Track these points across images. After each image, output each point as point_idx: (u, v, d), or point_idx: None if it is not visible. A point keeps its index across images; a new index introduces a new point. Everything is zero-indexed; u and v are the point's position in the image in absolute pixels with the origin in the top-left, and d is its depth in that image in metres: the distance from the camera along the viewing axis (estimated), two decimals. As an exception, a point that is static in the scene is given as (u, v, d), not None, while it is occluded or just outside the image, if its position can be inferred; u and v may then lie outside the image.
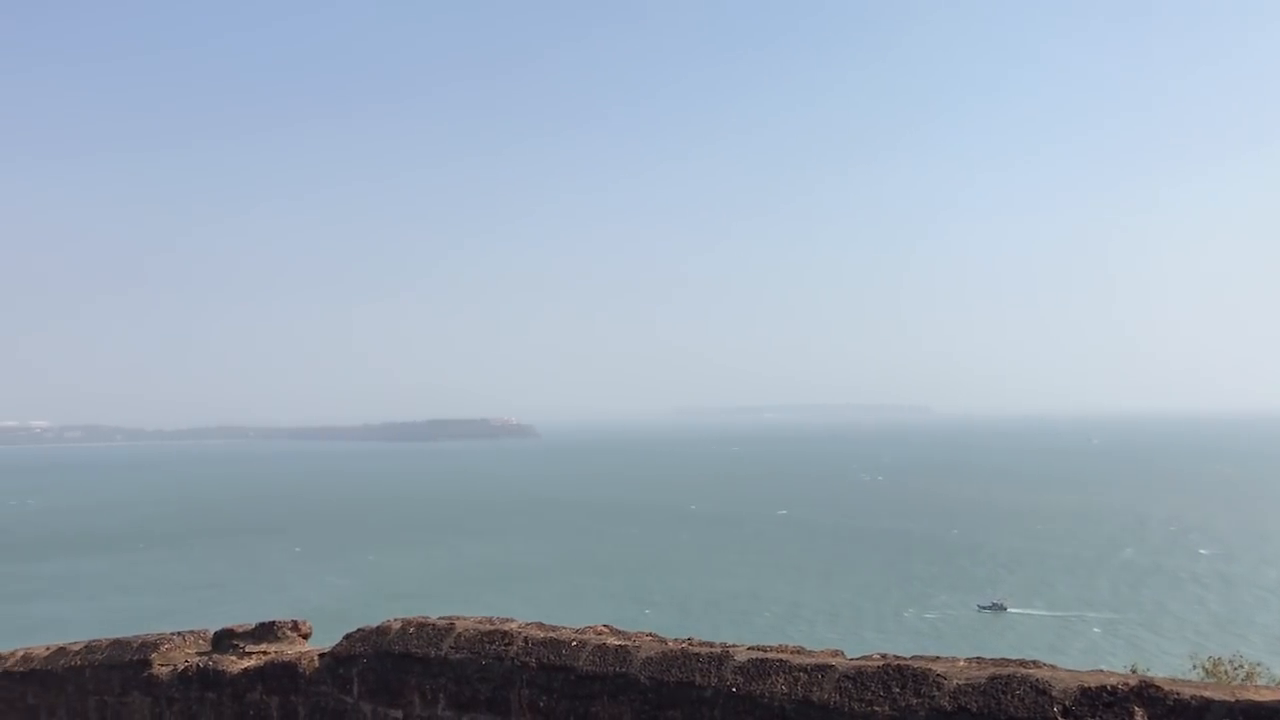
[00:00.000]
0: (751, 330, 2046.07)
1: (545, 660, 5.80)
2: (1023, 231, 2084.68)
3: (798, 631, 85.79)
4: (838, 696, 4.66)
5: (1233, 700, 3.86)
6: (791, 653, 5.16)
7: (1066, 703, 4.12)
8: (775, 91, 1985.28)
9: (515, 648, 5.98)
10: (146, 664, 8.18)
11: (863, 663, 4.86)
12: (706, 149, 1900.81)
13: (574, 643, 5.83)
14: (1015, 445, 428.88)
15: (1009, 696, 4.24)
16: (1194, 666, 20.03)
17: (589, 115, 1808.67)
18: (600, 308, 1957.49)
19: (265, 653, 7.66)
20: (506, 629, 6.24)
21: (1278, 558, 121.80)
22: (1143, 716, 3.97)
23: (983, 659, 4.76)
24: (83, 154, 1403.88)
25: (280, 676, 7.26)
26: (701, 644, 5.57)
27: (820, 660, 4.96)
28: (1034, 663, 4.58)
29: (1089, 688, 4.13)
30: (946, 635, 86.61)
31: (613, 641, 5.76)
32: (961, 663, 4.69)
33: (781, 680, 4.88)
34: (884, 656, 4.93)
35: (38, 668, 9.21)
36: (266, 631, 7.90)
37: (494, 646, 6.08)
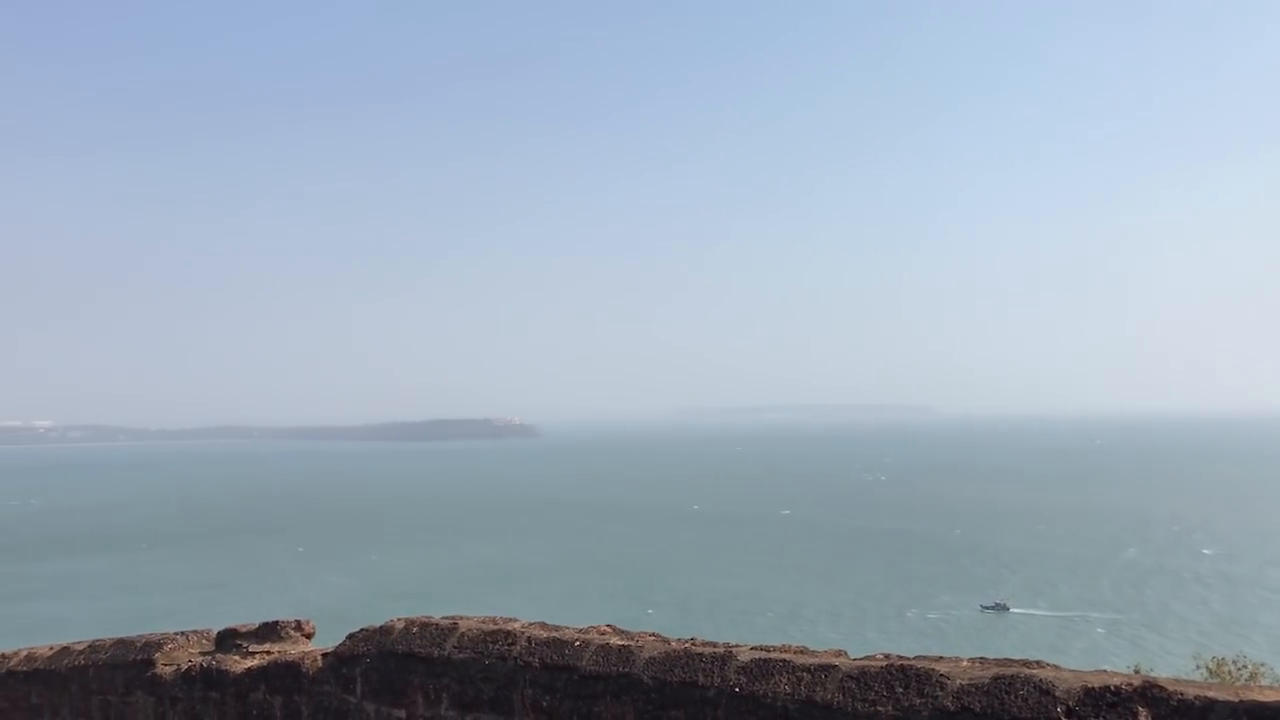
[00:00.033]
0: (753, 330, 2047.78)
1: (548, 660, 5.80)
2: (1025, 231, 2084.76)
3: (800, 631, 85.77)
4: (841, 696, 4.65)
5: (1236, 700, 3.86)
6: (795, 653, 5.16)
7: (1070, 703, 4.12)
8: (776, 92, 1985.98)
9: (518, 648, 5.99)
10: (150, 664, 8.19)
11: (866, 663, 4.86)
12: (707, 149, 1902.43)
13: (577, 643, 5.83)
14: (1017, 445, 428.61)
15: (1012, 697, 4.23)
16: (1197, 667, 20.00)
17: (589, 115, 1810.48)
18: (602, 308, 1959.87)
19: (269, 652, 7.67)
20: (510, 629, 6.24)
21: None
22: (1146, 717, 3.96)
23: (986, 659, 4.75)
24: (84, 154, 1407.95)
25: (284, 676, 7.26)
26: (705, 644, 5.57)
27: (823, 660, 4.96)
28: (1037, 663, 4.57)
29: (1092, 688, 4.13)
30: (949, 635, 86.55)
31: (616, 641, 5.76)
32: (965, 663, 4.69)
33: (785, 680, 4.88)
34: (887, 657, 4.93)
35: (41, 667, 9.22)
36: (270, 631, 7.90)
37: (497, 646, 6.08)
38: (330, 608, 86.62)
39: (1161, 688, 4.03)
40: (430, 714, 6.31)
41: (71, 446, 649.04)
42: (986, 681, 4.36)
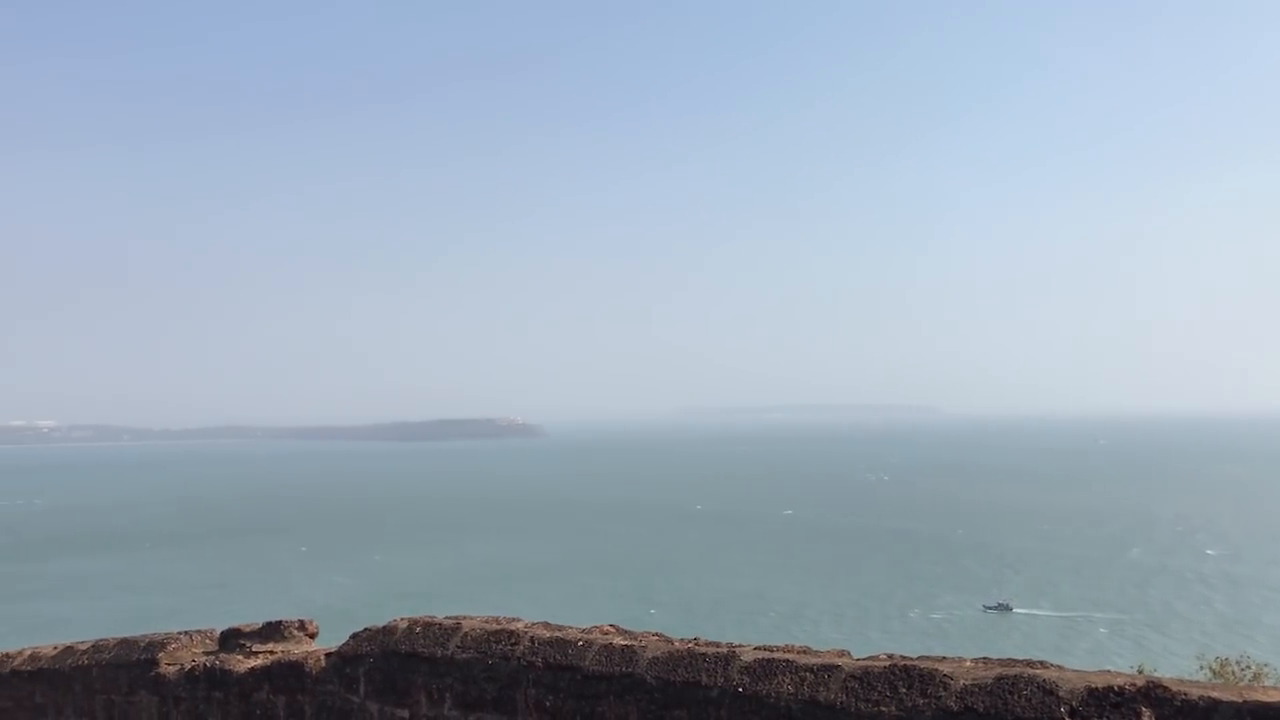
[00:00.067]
0: (756, 330, 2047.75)
1: (552, 660, 5.81)
2: (1029, 232, 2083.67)
3: (803, 631, 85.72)
4: (844, 697, 4.65)
5: (1240, 701, 3.85)
6: (798, 653, 5.16)
7: (1073, 703, 4.11)
8: (779, 92, 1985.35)
9: (522, 647, 5.99)
10: (154, 663, 8.20)
11: (869, 663, 4.85)
12: (710, 150, 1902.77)
13: (580, 642, 5.83)
14: (1021, 445, 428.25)
15: (1016, 697, 4.23)
16: (1201, 667, 19.95)
17: (589, 115, 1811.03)
18: (604, 308, 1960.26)
19: (272, 652, 7.68)
20: (513, 629, 6.24)
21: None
22: (1150, 717, 3.96)
23: (989, 659, 4.75)
24: (86, 151, 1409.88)
25: (287, 676, 7.27)
26: (708, 644, 5.57)
27: (827, 660, 4.96)
28: (1041, 663, 4.57)
29: (1096, 688, 4.12)
30: (952, 635, 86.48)
31: (619, 641, 5.76)
32: (968, 663, 4.69)
33: (788, 680, 4.88)
34: (890, 657, 4.93)
35: (45, 667, 9.23)
36: (273, 631, 7.91)
37: (500, 646, 6.08)
38: (333, 607, 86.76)
39: (1165, 688, 4.03)
40: (434, 714, 6.31)
41: (75, 446, 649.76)
42: (990, 682, 4.36)
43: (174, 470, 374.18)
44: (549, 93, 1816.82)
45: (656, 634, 5.91)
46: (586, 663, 5.66)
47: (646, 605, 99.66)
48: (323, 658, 7.13)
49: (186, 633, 8.47)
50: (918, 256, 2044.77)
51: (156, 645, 8.36)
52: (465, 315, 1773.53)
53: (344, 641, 7.08)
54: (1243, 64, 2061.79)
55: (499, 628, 6.30)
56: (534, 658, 5.88)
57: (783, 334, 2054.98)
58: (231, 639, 8.03)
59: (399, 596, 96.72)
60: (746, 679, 5.01)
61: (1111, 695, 4.07)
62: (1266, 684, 16.06)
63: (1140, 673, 4.84)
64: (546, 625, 6.33)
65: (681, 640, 5.77)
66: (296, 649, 7.67)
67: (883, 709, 4.51)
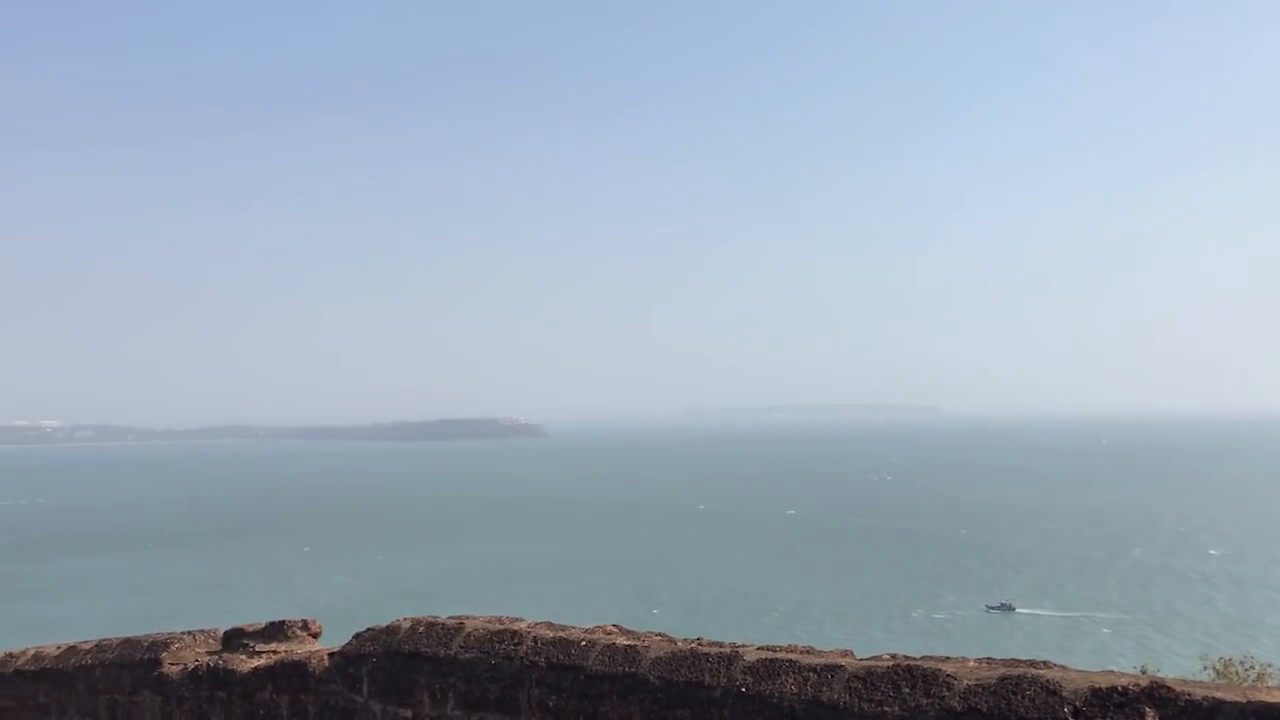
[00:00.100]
0: (758, 330, 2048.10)
1: (555, 660, 5.81)
2: (1032, 232, 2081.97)
3: (806, 631, 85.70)
4: (847, 697, 4.65)
5: (1244, 701, 3.85)
6: (801, 653, 5.16)
7: (1077, 703, 4.11)
8: (780, 92, 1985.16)
9: (525, 647, 5.99)
10: (157, 663, 8.21)
11: (872, 663, 4.85)
12: (711, 150, 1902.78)
13: (583, 642, 5.83)
14: (1023, 445, 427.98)
15: (1019, 697, 4.23)
16: (1204, 667, 19.95)
17: (589, 115, 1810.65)
18: (606, 308, 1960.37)
19: (275, 652, 7.68)
20: (516, 628, 6.25)
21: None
22: (1154, 717, 3.95)
23: (993, 659, 4.75)
24: (86, 151, 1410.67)
25: (290, 676, 7.28)
26: (711, 644, 5.57)
27: (830, 660, 4.96)
28: (1044, 663, 4.57)
29: (1100, 688, 4.12)
30: (955, 636, 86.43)
31: (622, 641, 5.76)
32: (971, 663, 4.69)
33: (791, 680, 4.88)
34: (894, 657, 4.92)
35: (49, 666, 9.24)
36: (276, 631, 7.92)
37: (503, 646, 6.08)
38: (336, 607, 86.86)
39: (1169, 688, 4.02)
40: (437, 713, 6.32)
41: (78, 446, 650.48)
42: (993, 682, 4.35)
43: (177, 470, 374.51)
44: (549, 93, 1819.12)
45: (659, 634, 5.91)
46: (589, 663, 5.66)
47: (649, 605, 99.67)
48: (326, 657, 7.14)
49: (190, 632, 8.48)
50: (918, 256, 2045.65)
51: (160, 645, 8.36)
52: (465, 315, 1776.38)
53: (347, 641, 7.09)
54: (1243, 64, 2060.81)
55: (502, 628, 6.30)
56: (537, 658, 5.89)
57: (783, 334, 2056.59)
58: (235, 639, 8.04)
59: (401, 596, 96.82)
60: (750, 679, 5.01)
61: (1115, 695, 4.07)
62: (1270, 684, 16.04)
63: (1144, 673, 4.83)
64: (549, 625, 6.33)
65: (684, 640, 5.77)
66: (300, 649, 7.67)
67: (886, 709, 4.51)
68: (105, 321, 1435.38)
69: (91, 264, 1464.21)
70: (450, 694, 6.25)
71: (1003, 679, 4.35)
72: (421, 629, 6.63)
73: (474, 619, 6.54)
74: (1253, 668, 19.42)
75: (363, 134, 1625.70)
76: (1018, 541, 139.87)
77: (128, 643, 8.79)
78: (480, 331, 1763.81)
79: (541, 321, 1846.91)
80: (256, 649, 7.81)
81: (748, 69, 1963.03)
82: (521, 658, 5.95)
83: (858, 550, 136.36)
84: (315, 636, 7.98)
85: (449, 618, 6.67)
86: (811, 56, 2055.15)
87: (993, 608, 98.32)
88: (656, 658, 5.45)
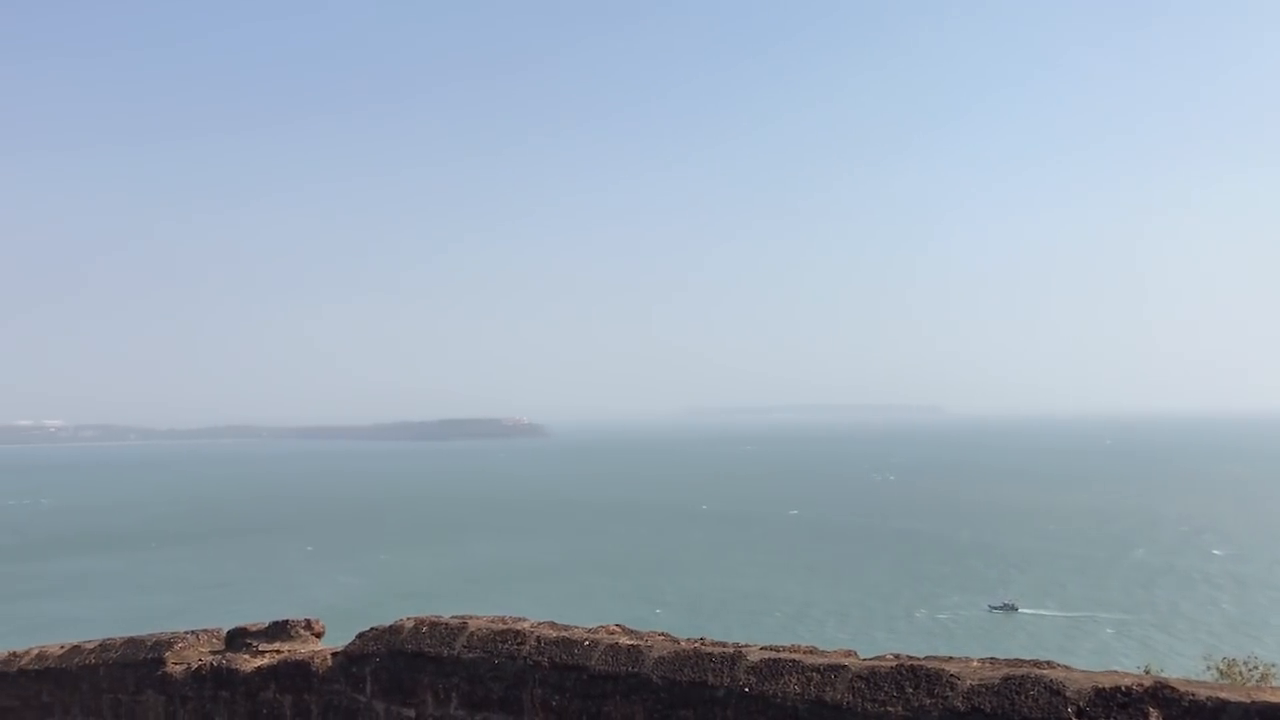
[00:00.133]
0: (761, 330, 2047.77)
1: (558, 660, 5.81)
2: (1034, 232, 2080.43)
3: (808, 631, 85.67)
4: (851, 697, 4.65)
5: (1249, 702, 3.84)
6: (804, 653, 5.16)
7: (1081, 703, 4.10)
8: (781, 92, 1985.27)
9: (528, 647, 5.99)
10: (160, 662, 8.22)
11: (876, 663, 4.85)
12: (711, 150, 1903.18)
13: (586, 642, 5.83)
14: (1027, 445, 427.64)
15: (1023, 697, 4.22)
16: (1208, 668, 19.93)
17: (589, 115, 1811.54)
18: (606, 308, 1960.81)
19: (278, 651, 7.69)
20: (519, 628, 6.24)
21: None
22: (1158, 717, 3.95)
23: (996, 659, 4.74)
24: (87, 151, 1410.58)
25: (293, 675, 7.28)
26: (714, 644, 5.56)
27: (833, 660, 4.95)
28: (1048, 663, 4.56)
29: (1103, 688, 4.12)
30: (957, 636, 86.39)
31: (625, 641, 5.76)
32: (975, 663, 4.68)
33: (794, 680, 4.88)
34: (897, 657, 4.92)
35: (52, 666, 9.25)
36: (280, 630, 7.92)
37: (507, 646, 6.08)
38: (339, 607, 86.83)
39: (1173, 688, 4.02)
40: (440, 713, 6.32)
41: (82, 446, 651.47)
42: (997, 682, 4.35)
43: (180, 470, 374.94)
44: (549, 93, 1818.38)
45: (662, 634, 5.91)
46: (593, 662, 5.66)
47: (652, 605, 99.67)
48: (329, 657, 7.14)
49: (193, 632, 8.49)
50: (918, 256, 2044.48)
51: (163, 644, 8.37)
52: (465, 314, 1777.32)
53: (350, 641, 7.09)
54: (1244, 64, 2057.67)
55: (505, 627, 6.30)
56: (540, 657, 5.89)
57: (784, 334, 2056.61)
58: (238, 638, 8.05)
59: (404, 596, 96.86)
60: (753, 679, 5.01)
61: (1119, 695, 4.06)
62: (1274, 684, 16.02)
63: (1147, 673, 4.83)
64: (552, 625, 6.33)
65: (688, 640, 5.77)
66: (303, 648, 7.68)
67: (889, 709, 4.51)
68: (107, 321, 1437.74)
69: (92, 264, 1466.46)
70: (453, 694, 6.25)
71: (1006, 679, 4.35)
72: (425, 629, 6.63)
73: (477, 619, 6.54)
74: (1256, 668, 19.40)
75: (362, 134, 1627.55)
76: (1020, 541, 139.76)
77: (131, 642, 8.80)
78: (480, 331, 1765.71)
79: (542, 321, 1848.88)
80: (260, 648, 7.81)
81: (748, 69, 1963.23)
82: (525, 657, 5.95)
83: (860, 550, 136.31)
84: (318, 636, 7.98)
85: (452, 617, 6.68)
86: (811, 56, 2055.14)
87: (995, 608, 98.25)
88: (660, 658, 5.45)
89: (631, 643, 5.72)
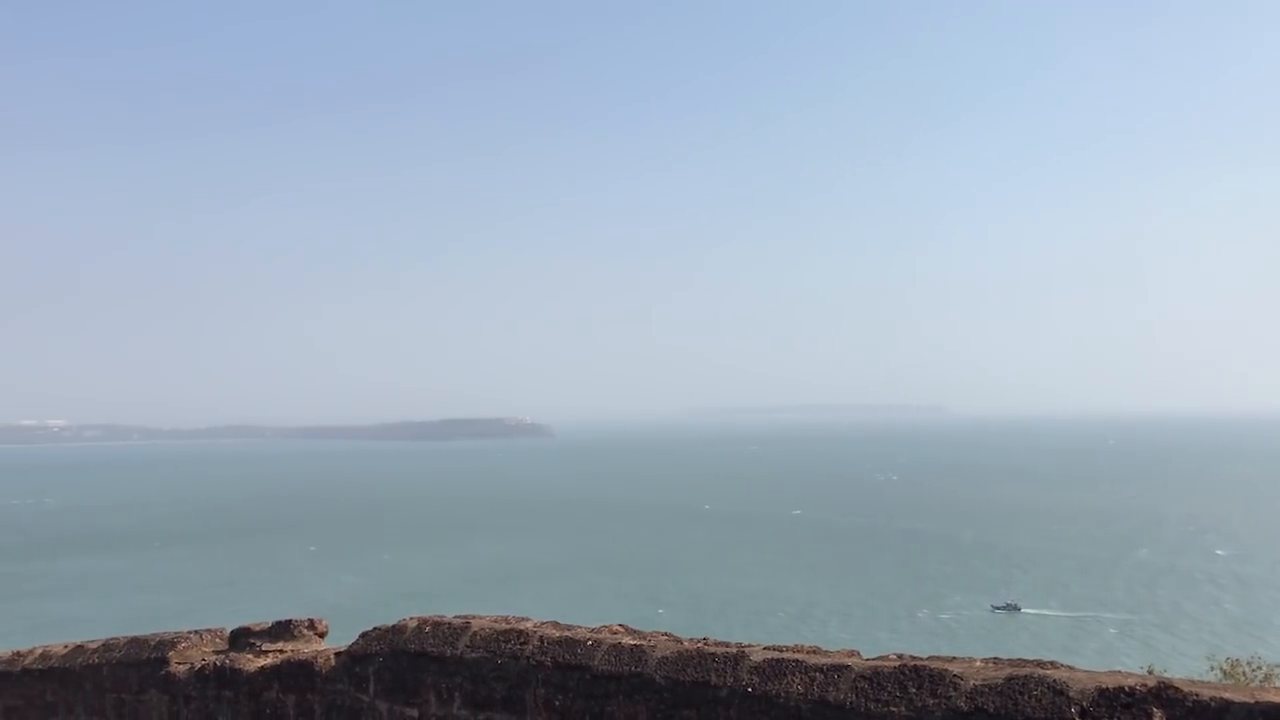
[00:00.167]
0: (764, 331, 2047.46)
1: (561, 659, 5.81)
2: (1037, 231, 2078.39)
3: (811, 631, 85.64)
4: (854, 697, 4.64)
5: (1252, 702, 3.83)
6: (807, 653, 5.15)
7: (1084, 704, 4.10)
8: (783, 92, 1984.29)
9: (531, 647, 5.99)
10: (164, 662, 8.22)
11: (879, 663, 4.84)
12: (711, 150, 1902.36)
13: (589, 642, 5.83)
14: (1029, 445, 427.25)
15: (1026, 697, 4.22)
16: (1211, 668, 19.89)
17: (590, 116, 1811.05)
18: (607, 308, 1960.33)
19: (282, 651, 7.69)
20: (522, 628, 6.24)
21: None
22: (1161, 718, 3.94)
23: (999, 659, 4.73)
24: (88, 151, 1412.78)
25: (297, 675, 7.29)
26: (717, 644, 5.56)
27: (836, 660, 4.95)
28: (1051, 663, 4.56)
29: (1107, 689, 4.11)
30: (960, 636, 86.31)
31: (628, 641, 5.76)
32: (978, 663, 4.68)
33: (797, 680, 4.87)
34: (900, 657, 4.91)
35: (56, 665, 9.27)
36: (283, 630, 7.93)
37: (510, 645, 6.08)
38: (343, 607, 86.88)
39: (1176, 689, 4.01)
40: (443, 713, 6.32)
41: (85, 446, 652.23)
42: (1000, 682, 4.34)
43: (183, 469, 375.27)
44: (549, 93, 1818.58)
45: (665, 634, 5.91)
46: (595, 662, 5.66)
47: (654, 605, 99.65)
48: (332, 657, 7.15)
49: (196, 632, 8.50)
50: (919, 256, 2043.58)
51: (167, 644, 8.38)
52: (465, 314, 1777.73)
53: (353, 641, 7.10)
54: (1244, 64, 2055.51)
55: (508, 627, 6.30)
56: (543, 657, 5.89)
57: (786, 334, 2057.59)
58: (241, 638, 8.05)
59: (408, 596, 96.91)
60: (756, 679, 5.01)
61: (1122, 696, 4.06)
62: (1278, 685, 15.99)
63: (1150, 673, 4.82)
64: (555, 625, 6.33)
65: (690, 640, 5.77)
66: (306, 648, 7.68)
67: (893, 709, 4.50)
68: (110, 321, 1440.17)
69: (93, 263, 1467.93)
70: (456, 693, 6.25)
71: (1009, 679, 4.34)
72: (428, 628, 6.63)
73: (480, 618, 6.55)
74: (1260, 668, 19.35)
75: (362, 134, 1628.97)
76: (1023, 541, 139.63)
77: (135, 642, 8.81)
78: (481, 331, 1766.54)
79: (542, 321, 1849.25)
80: (263, 648, 7.82)
81: (748, 69, 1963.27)
82: (528, 657, 5.95)
83: (863, 550, 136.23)
84: (322, 636, 7.98)
85: (455, 617, 6.68)
86: (812, 56, 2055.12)
87: (998, 608, 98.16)
88: (663, 657, 5.45)
89: (634, 643, 5.72)
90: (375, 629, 7.00)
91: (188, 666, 8.09)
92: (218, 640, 8.33)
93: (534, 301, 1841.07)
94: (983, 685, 4.37)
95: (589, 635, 5.96)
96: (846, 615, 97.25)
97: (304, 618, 8.06)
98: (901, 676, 4.61)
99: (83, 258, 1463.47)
